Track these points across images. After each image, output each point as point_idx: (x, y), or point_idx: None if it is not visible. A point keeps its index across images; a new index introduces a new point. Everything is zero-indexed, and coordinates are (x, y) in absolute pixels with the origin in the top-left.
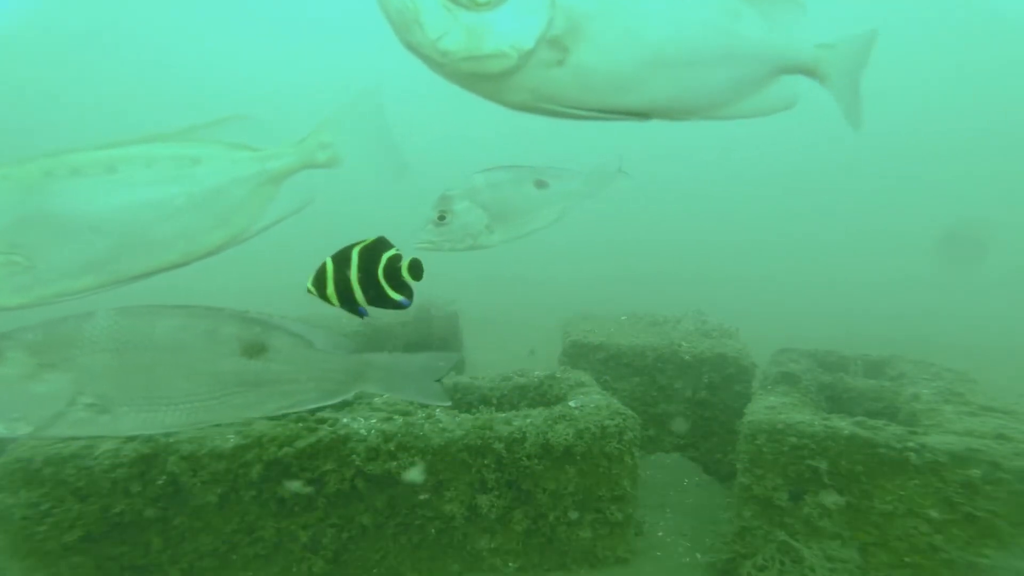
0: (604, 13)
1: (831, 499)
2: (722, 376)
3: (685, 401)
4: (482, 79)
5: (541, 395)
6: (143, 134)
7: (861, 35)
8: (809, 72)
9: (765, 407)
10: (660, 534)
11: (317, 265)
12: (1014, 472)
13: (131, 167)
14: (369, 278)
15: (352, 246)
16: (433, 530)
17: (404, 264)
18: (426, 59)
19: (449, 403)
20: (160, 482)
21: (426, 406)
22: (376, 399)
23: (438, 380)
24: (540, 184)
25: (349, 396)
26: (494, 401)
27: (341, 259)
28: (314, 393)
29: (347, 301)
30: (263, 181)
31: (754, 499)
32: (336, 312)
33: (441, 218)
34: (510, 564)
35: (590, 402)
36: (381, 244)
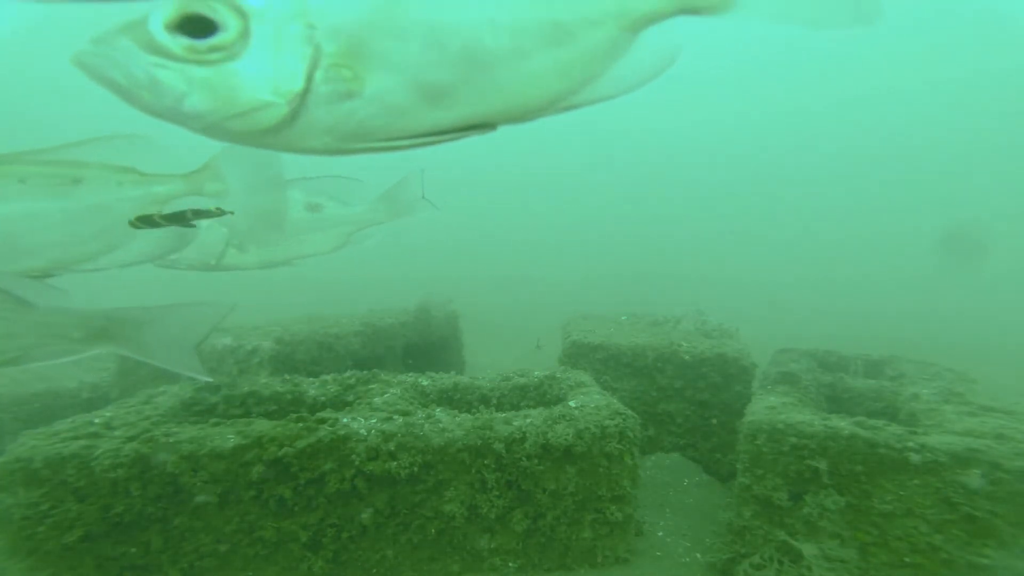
0: (388, 18)
1: (831, 499)
2: (722, 376)
3: (685, 401)
4: (262, 135)
5: (541, 395)
6: (30, 151)
7: None
8: (685, 10)
9: (765, 407)
10: (660, 534)
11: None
12: (1014, 472)
13: None
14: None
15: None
16: (433, 530)
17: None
18: (184, 126)
19: (209, 378)
20: (159, 482)
21: (426, 406)
22: (376, 399)
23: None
24: (312, 207)
25: (86, 353)
26: (494, 401)
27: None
28: (37, 352)
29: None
30: (147, 203)
31: (754, 499)
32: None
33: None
34: (510, 564)
35: (590, 402)
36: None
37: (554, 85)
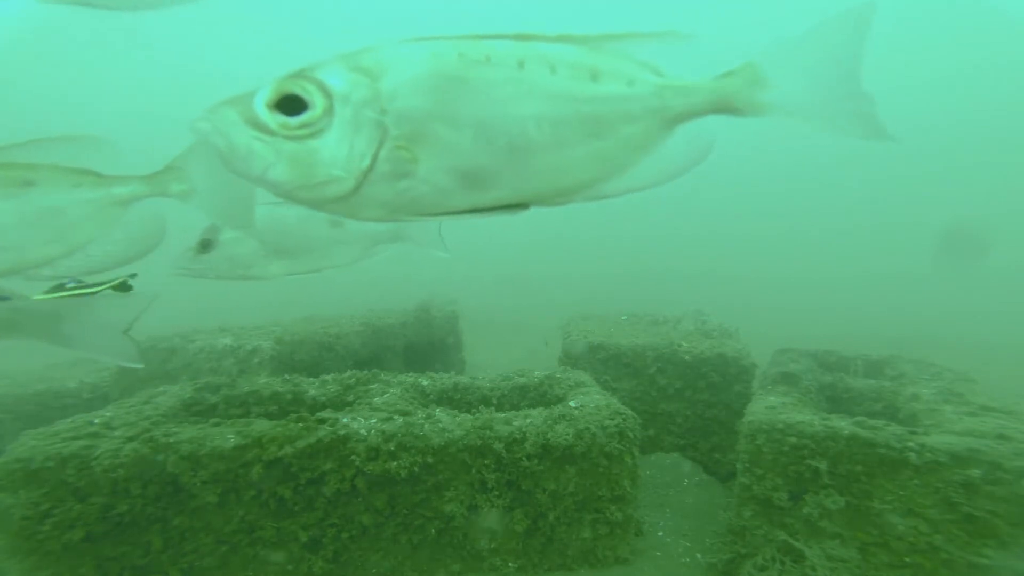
0: (448, 108)
1: (831, 499)
2: (722, 376)
3: (685, 401)
4: (327, 203)
5: (541, 395)
6: None
7: (797, 37)
8: (721, 110)
9: (765, 407)
10: (660, 534)
11: None
12: (1014, 472)
13: None
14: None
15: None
16: (433, 530)
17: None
18: (269, 190)
19: (141, 364)
20: (159, 482)
21: (426, 406)
22: (376, 399)
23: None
24: (334, 223)
25: None
26: (494, 401)
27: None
28: None
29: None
30: (107, 204)
31: (754, 499)
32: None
33: (203, 246)
34: (510, 564)
35: (590, 402)
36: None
37: (589, 173)
